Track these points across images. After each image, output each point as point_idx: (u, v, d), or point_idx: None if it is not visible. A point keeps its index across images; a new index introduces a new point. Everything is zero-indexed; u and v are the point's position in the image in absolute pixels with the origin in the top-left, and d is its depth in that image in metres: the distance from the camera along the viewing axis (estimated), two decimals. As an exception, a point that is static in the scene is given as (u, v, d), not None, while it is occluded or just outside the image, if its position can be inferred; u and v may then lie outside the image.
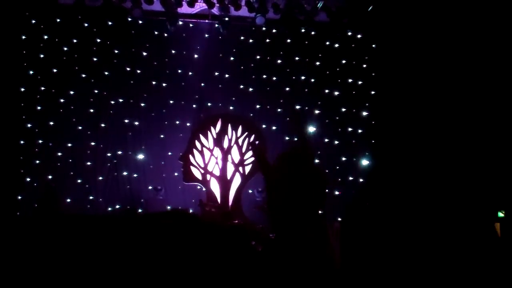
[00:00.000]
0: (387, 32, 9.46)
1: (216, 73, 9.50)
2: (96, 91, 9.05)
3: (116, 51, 9.22)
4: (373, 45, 9.87)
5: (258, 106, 9.59)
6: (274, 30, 9.75)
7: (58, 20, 9.04)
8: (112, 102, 9.09)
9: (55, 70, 8.95)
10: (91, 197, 8.75)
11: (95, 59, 9.12)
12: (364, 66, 9.87)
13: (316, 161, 9.38)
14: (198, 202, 8.62)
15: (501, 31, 7.95)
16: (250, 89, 9.59)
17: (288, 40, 9.78)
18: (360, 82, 9.81)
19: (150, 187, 8.98)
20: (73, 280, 5.96)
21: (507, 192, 7.41)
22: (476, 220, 7.35)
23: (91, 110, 9.01)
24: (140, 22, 9.27)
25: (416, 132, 8.85)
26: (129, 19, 9.14)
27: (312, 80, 9.75)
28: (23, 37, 8.87)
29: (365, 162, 9.58)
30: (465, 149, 8.18)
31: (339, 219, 8.57)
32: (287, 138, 9.56)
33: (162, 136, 9.17)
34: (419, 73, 8.90)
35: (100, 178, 8.88)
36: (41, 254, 6.47)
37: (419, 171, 8.61)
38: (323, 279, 6.79)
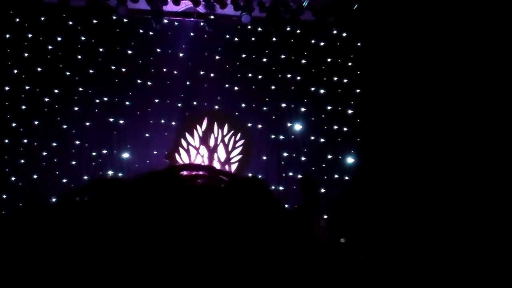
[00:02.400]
0: (372, 31, 9.50)
1: (202, 72, 9.50)
2: (80, 89, 9.03)
3: (101, 50, 9.19)
4: (359, 44, 9.91)
5: (243, 105, 9.60)
6: (259, 29, 9.76)
7: (42, 18, 8.99)
8: (97, 100, 9.07)
9: (39, 69, 8.91)
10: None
11: (79, 57, 9.08)
12: (350, 64, 9.91)
13: (303, 158, 9.48)
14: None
15: (488, 27, 7.99)
16: (236, 88, 9.60)
17: (274, 39, 9.79)
18: (345, 80, 9.86)
19: (135, 186, 8.92)
20: (58, 280, 5.99)
21: (493, 187, 7.47)
22: (463, 217, 7.42)
23: (76, 109, 8.99)
24: (125, 20, 9.25)
25: (402, 130, 8.91)
26: (114, 17, 9.11)
27: (298, 78, 9.78)
28: (7, 35, 8.82)
29: (350, 160, 9.63)
30: (451, 146, 8.23)
31: (325, 216, 8.60)
32: (272, 136, 9.60)
33: (147, 135, 9.15)
34: (405, 71, 8.94)
35: (85, 177, 8.85)
36: (26, 253, 6.50)
37: (404, 169, 8.66)
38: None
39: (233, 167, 9.43)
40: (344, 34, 9.92)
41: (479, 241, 6.66)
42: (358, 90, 9.82)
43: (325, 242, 7.80)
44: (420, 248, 7.13)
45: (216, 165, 9.31)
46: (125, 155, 9.04)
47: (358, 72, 9.87)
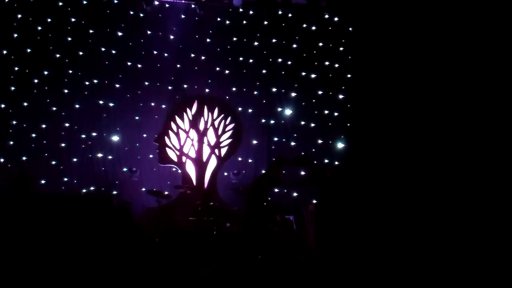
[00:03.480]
0: (364, 16, 9.44)
1: (192, 55, 9.47)
2: (70, 72, 8.98)
3: (91, 31, 9.13)
4: (350, 28, 9.87)
5: (234, 89, 9.58)
6: (251, 12, 9.72)
7: (31, -2, 8.90)
8: (87, 83, 9.03)
9: (29, 50, 8.86)
10: (65, 179, 8.72)
11: (69, 39, 9.03)
12: (341, 49, 9.89)
13: (293, 143, 9.54)
14: (173, 184, 8.71)
15: (480, 14, 7.96)
16: (227, 71, 9.57)
17: (265, 22, 9.75)
18: (336, 65, 9.84)
19: (125, 169, 8.96)
20: (45, 259, 6.02)
21: (480, 181, 7.50)
22: (450, 205, 7.47)
23: (66, 91, 8.95)
24: (116, 1, 9.19)
25: (392, 115, 8.90)
26: (104, -1, 9.03)
27: (289, 62, 9.76)
28: (-4, 16, 8.74)
29: (340, 145, 9.64)
30: (440, 133, 8.24)
31: (314, 201, 8.63)
32: (263, 120, 9.60)
33: (137, 118, 9.14)
34: (395, 57, 8.91)
35: (75, 159, 8.86)
36: (15, 234, 6.52)
37: (394, 155, 8.68)
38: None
39: (223, 151, 9.44)
40: (336, 19, 9.88)
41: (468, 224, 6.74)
42: (349, 75, 9.80)
43: (310, 229, 7.88)
44: (408, 232, 7.19)
45: (206, 148, 9.32)
46: (115, 137, 9.01)
47: (350, 57, 9.83)
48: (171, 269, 6.36)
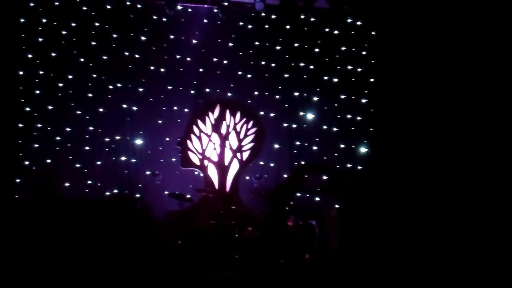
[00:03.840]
0: (387, 19, 9.38)
1: (215, 59, 9.47)
2: (94, 76, 9.06)
3: (114, 35, 9.19)
4: (373, 32, 9.82)
5: (256, 93, 9.57)
6: (273, 16, 9.70)
7: (56, 3, 9.01)
8: (111, 86, 9.10)
9: (53, 54, 8.94)
10: (89, 182, 8.79)
11: (93, 43, 9.10)
12: (364, 53, 9.84)
13: (315, 147, 9.48)
14: (195, 188, 8.72)
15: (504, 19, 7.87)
16: (249, 76, 9.56)
17: (288, 26, 9.73)
18: (359, 69, 9.79)
19: (148, 172, 9.01)
20: (69, 262, 6.05)
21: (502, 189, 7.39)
22: (472, 212, 7.36)
23: (90, 95, 9.03)
24: (139, 6, 9.20)
25: (415, 120, 8.81)
26: (128, 3, 9.10)
27: (311, 67, 9.73)
28: (22, 20, 8.84)
29: (363, 150, 9.58)
30: (464, 140, 8.14)
31: (336, 206, 8.56)
32: (285, 124, 9.58)
33: (160, 121, 9.18)
34: (419, 61, 8.83)
35: (98, 162, 8.91)
36: (39, 236, 6.57)
37: (417, 160, 8.59)
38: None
39: (245, 155, 9.43)
40: (359, 23, 9.83)
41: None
42: (372, 79, 9.74)
43: (332, 235, 7.82)
44: (430, 239, 7.10)
45: (228, 152, 9.32)
46: (138, 141, 9.06)
47: (373, 61, 9.78)
48: (192, 272, 6.35)
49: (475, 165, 7.82)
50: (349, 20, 9.80)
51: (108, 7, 9.08)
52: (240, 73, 9.54)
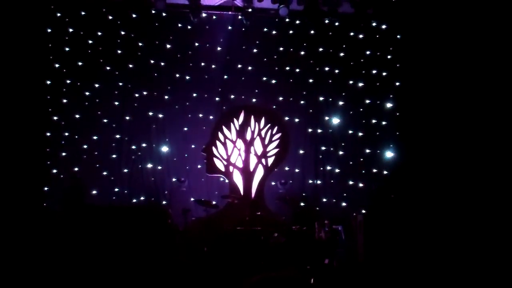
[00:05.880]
0: (412, 23, 9.28)
1: (239, 65, 9.50)
2: (120, 84, 9.15)
3: (140, 44, 9.28)
4: (398, 36, 9.72)
5: (281, 98, 9.55)
6: (297, 21, 9.69)
7: (82, 13, 9.11)
8: (137, 95, 9.18)
9: (80, 63, 9.04)
10: (116, 189, 8.85)
11: (119, 51, 9.19)
12: (389, 57, 9.75)
13: (341, 152, 9.43)
14: (220, 194, 8.72)
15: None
16: (273, 81, 9.56)
17: (312, 31, 9.70)
18: (384, 74, 9.70)
19: (173, 179, 9.06)
20: (98, 268, 6.09)
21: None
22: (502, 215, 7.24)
23: (116, 103, 9.12)
24: (164, 14, 9.29)
25: (442, 124, 8.70)
26: (153, 12, 9.17)
27: (336, 71, 9.68)
28: (49, 30, 8.96)
29: (389, 155, 9.48)
30: (492, 143, 8.00)
31: (363, 211, 8.49)
32: (310, 130, 9.54)
33: (185, 128, 9.24)
34: (445, 64, 8.72)
35: (125, 170, 8.98)
36: (69, 244, 6.63)
37: (444, 165, 8.47)
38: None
39: (270, 161, 9.40)
40: (384, 26, 9.75)
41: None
42: (397, 83, 9.64)
43: (359, 240, 7.76)
44: (456, 244, 7.01)
45: (253, 158, 9.31)
46: (164, 148, 9.11)
47: (398, 65, 9.68)
48: (219, 278, 6.34)
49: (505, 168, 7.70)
50: (373, 24, 9.73)
51: (134, 15, 9.18)
52: (264, 78, 9.54)
